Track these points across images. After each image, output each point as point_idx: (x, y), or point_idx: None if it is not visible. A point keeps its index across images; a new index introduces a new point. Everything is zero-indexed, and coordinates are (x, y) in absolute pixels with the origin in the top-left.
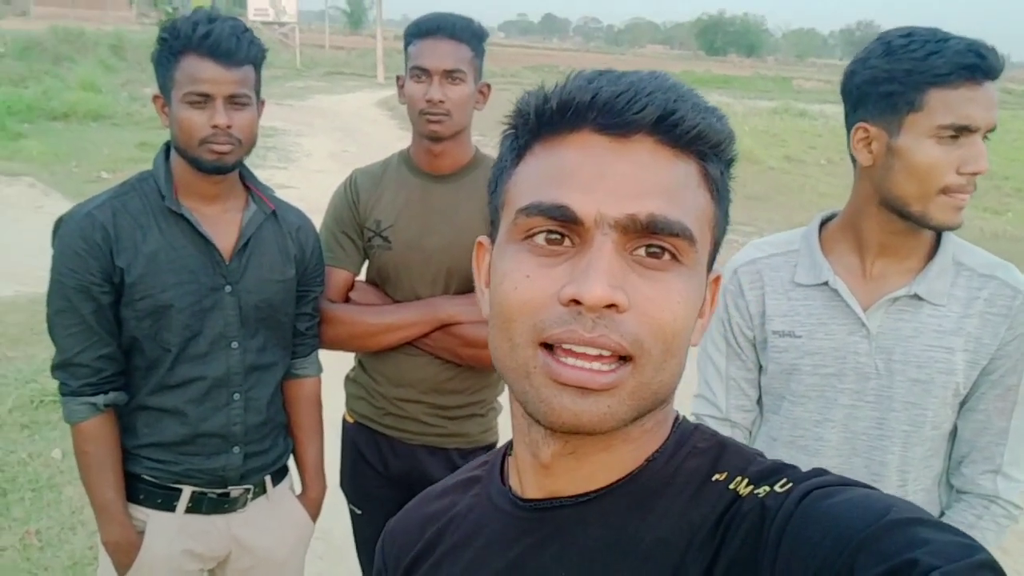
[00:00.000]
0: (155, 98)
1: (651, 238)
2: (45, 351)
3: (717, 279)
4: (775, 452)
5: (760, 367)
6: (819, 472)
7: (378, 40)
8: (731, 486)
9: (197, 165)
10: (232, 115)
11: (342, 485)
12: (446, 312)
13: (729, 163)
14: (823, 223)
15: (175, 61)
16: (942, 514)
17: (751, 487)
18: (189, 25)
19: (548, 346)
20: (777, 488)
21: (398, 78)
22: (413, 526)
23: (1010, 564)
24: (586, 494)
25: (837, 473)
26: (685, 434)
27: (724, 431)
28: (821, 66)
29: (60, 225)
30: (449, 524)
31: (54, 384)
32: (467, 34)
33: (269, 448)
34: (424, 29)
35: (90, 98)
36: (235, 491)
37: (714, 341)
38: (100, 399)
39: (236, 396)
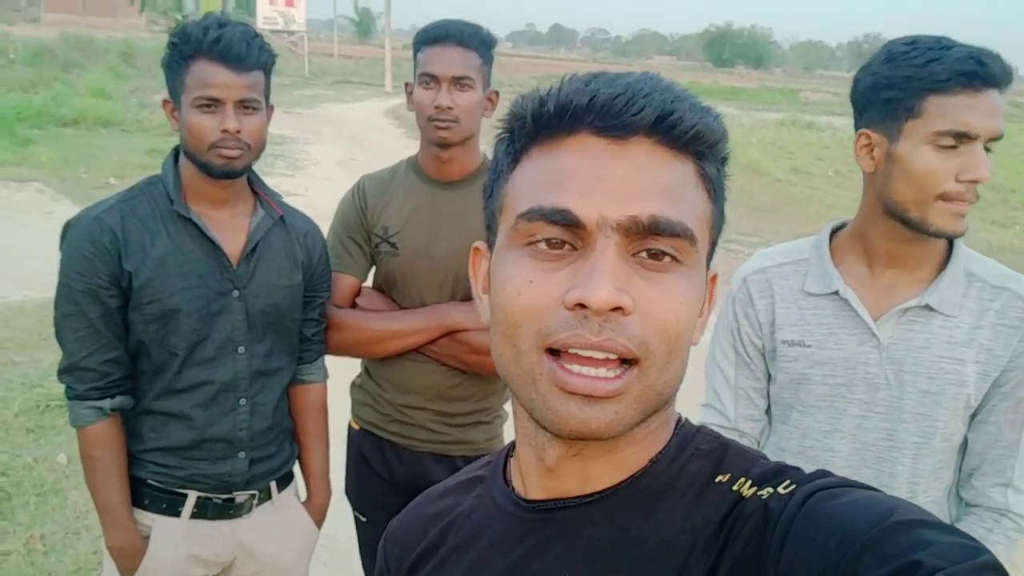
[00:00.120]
0: (165, 102)
1: (653, 239)
2: (52, 356)
3: (714, 277)
4: None
5: (769, 377)
6: (822, 474)
7: (386, 49)
8: (734, 487)
9: (206, 169)
10: (242, 120)
11: (347, 492)
12: (453, 318)
13: (724, 161)
14: (833, 232)
15: (185, 65)
16: None
17: (754, 488)
18: (200, 30)
19: (553, 351)
20: (780, 490)
21: (407, 85)
22: (415, 526)
23: None
24: (590, 495)
25: None
26: (688, 436)
27: None
28: (829, 78)
29: (68, 229)
30: (452, 525)
31: (60, 389)
32: (476, 41)
33: (275, 453)
34: (433, 36)
35: (100, 104)
36: (240, 497)
37: (723, 350)
38: (106, 403)
39: (242, 401)
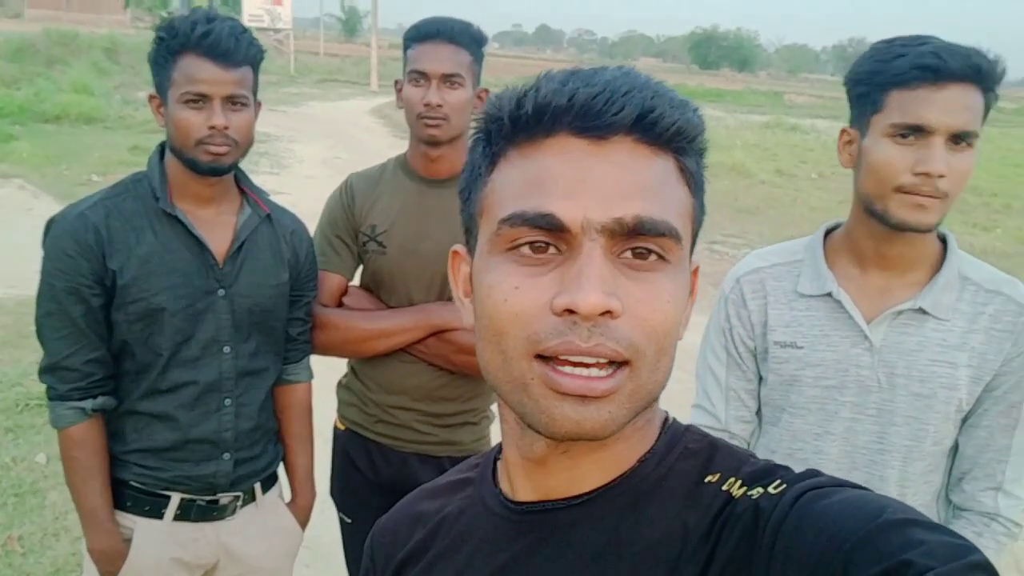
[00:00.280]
0: (151, 98)
1: (638, 240)
2: (32, 354)
3: (696, 270)
4: None
5: (760, 378)
6: (813, 473)
7: (373, 48)
8: (724, 487)
9: (193, 166)
10: (229, 116)
11: (332, 493)
12: (440, 318)
13: (702, 153)
14: (828, 233)
15: (172, 61)
16: None
17: (744, 488)
18: (188, 24)
19: (543, 357)
20: (771, 489)
21: (396, 82)
22: (403, 526)
23: None
24: (578, 496)
25: None
26: (676, 435)
27: None
28: (813, 81)
29: (51, 226)
30: (440, 526)
31: (39, 388)
32: (466, 38)
33: (259, 455)
34: (423, 33)
35: (82, 101)
36: (224, 498)
37: (714, 351)
38: (88, 404)
39: (227, 401)
